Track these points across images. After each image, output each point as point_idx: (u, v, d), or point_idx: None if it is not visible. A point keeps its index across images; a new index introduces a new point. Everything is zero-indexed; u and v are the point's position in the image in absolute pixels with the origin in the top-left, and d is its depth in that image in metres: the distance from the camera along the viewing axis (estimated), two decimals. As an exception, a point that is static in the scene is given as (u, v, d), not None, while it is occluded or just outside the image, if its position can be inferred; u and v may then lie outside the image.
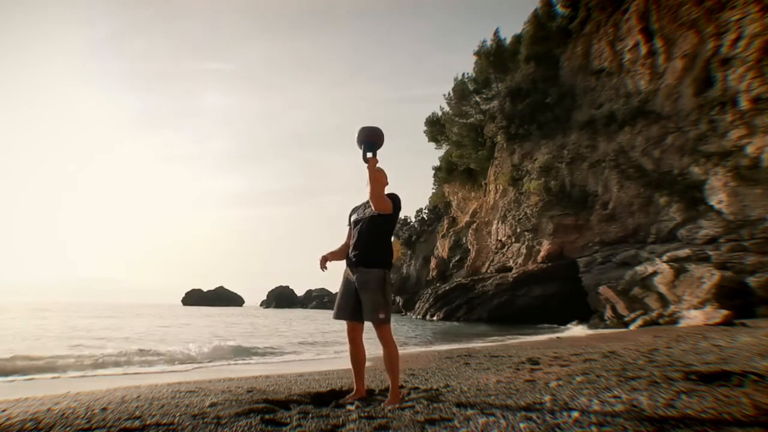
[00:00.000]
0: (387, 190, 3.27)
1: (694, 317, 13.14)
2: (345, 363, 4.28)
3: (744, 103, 17.69)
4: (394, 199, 3.11)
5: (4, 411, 2.83)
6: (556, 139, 25.71)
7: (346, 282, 3.17)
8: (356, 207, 3.31)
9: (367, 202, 3.16)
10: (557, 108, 26.52)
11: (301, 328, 19.15)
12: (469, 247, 31.90)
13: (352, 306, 3.09)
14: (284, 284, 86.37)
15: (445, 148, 38.15)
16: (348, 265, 3.18)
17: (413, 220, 47.58)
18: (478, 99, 34.41)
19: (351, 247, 3.17)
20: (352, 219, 3.24)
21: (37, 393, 3.97)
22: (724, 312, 12.19)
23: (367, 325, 3.18)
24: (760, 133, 17.11)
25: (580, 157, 23.96)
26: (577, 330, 16.40)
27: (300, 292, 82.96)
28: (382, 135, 3.07)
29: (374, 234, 3.10)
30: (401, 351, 3.16)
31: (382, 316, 2.94)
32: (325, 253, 3.25)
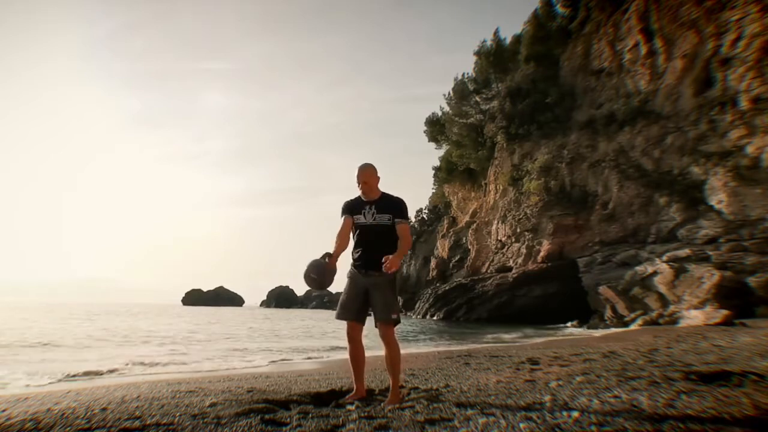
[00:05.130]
0: (381, 185, 3.27)
1: (694, 317, 13.14)
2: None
3: (744, 103, 17.69)
4: (405, 212, 3.18)
5: (4, 411, 2.83)
6: (556, 139, 25.71)
7: (354, 284, 3.15)
8: (353, 203, 3.21)
9: (371, 203, 3.14)
10: (557, 108, 26.52)
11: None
12: (469, 247, 31.89)
13: (358, 308, 3.11)
14: (284, 284, 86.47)
15: (445, 148, 38.14)
16: (356, 267, 3.15)
17: (413, 220, 47.59)
18: (478, 99, 34.41)
19: (361, 251, 3.14)
20: (357, 222, 3.16)
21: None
22: (724, 312, 12.19)
23: (368, 326, 3.19)
24: (760, 133, 17.11)
25: (580, 157, 23.96)
26: (576, 330, 16.39)
27: (300, 292, 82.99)
28: (317, 274, 3.01)
29: (387, 240, 3.11)
30: (401, 351, 3.16)
31: (394, 316, 3.02)
32: (325, 254, 3.15)
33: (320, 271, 3.02)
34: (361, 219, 3.15)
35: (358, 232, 3.17)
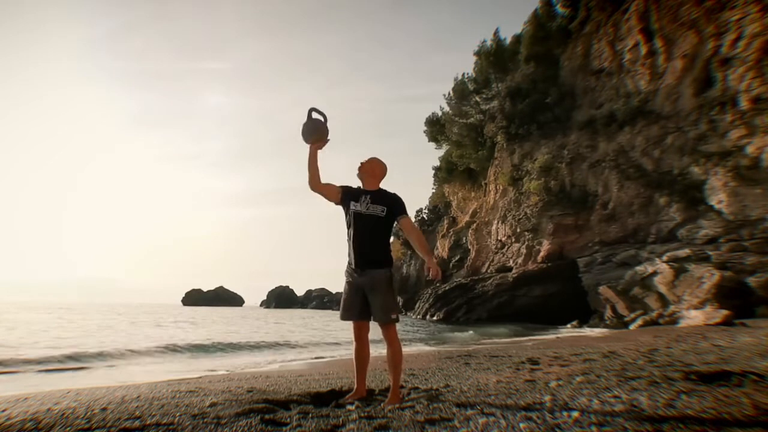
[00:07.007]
0: (384, 183, 3.31)
1: (694, 317, 13.13)
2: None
3: (744, 103, 17.67)
4: (403, 206, 3.20)
5: (4, 411, 2.83)
6: (556, 139, 25.70)
7: (350, 284, 3.14)
8: (353, 189, 3.24)
9: (367, 193, 3.17)
10: (557, 108, 26.51)
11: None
12: (469, 247, 31.89)
13: (359, 307, 3.10)
14: (284, 284, 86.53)
15: (445, 148, 38.14)
16: (352, 266, 3.13)
17: (413, 220, 47.58)
18: (478, 99, 34.39)
19: (355, 247, 3.10)
20: (353, 209, 3.13)
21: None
22: (724, 312, 12.17)
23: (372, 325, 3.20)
24: (760, 133, 17.10)
25: (580, 157, 23.95)
26: (576, 330, 16.39)
27: (300, 292, 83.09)
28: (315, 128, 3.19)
29: (380, 235, 3.12)
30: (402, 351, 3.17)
31: (394, 316, 3.03)
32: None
33: (318, 125, 3.22)
34: (356, 207, 3.13)
35: (352, 221, 3.13)
